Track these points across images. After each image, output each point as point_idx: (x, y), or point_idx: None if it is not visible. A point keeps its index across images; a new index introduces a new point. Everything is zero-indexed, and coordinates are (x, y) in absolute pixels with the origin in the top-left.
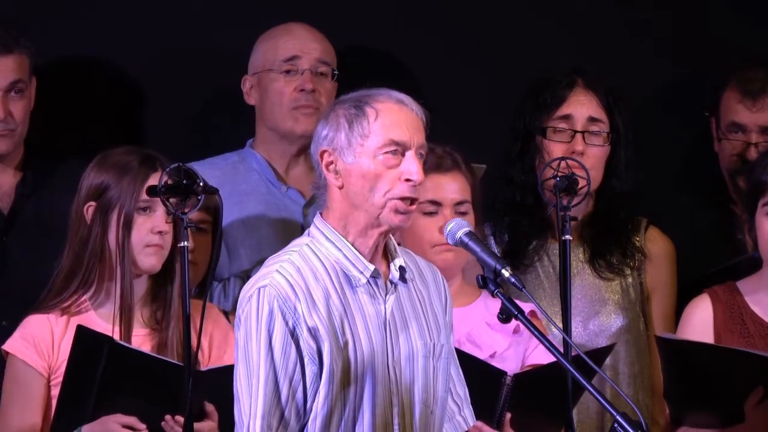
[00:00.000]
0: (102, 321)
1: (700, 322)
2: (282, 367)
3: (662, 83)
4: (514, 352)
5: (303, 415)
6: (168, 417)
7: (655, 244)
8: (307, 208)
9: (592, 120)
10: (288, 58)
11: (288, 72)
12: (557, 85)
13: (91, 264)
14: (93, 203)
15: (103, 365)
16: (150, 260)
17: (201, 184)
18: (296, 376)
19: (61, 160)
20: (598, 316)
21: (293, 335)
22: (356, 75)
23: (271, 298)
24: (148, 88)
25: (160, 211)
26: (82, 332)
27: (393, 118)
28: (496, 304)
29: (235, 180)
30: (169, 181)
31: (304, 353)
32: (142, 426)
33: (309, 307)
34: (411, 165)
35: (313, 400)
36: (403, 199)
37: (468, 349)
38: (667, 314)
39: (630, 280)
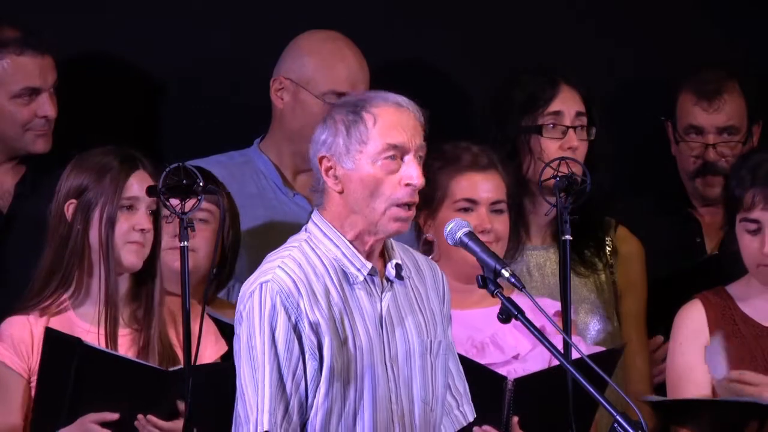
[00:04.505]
0: (81, 321)
1: (693, 326)
2: (285, 362)
3: (622, 84)
4: (540, 352)
5: (306, 409)
6: (140, 416)
7: (626, 244)
8: None
9: (579, 114)
10: (339, 93)
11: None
12: (543, 83)
13: (71, 262)
14: (74, 201)
15: (75, 367)
16: (131, 258)
17: (201, 183)
18: (299, 371)
19: (61, 160)
20: (575, 314)
21: (296, 330)
22: None
23: (273, 293)
24: (152, 91)
25: (142, 209)
26: (50, 335)
27: (391, 121)
28: (522, 304)
29: (242, 181)
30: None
31: (306, 348)
32: (115, 415)
33: (311, 303)
34: (411, 169)
35: (314, 396)
36: (402, 204)
37: (490, 351)
38: (639, 314)
39: (603, 278)
